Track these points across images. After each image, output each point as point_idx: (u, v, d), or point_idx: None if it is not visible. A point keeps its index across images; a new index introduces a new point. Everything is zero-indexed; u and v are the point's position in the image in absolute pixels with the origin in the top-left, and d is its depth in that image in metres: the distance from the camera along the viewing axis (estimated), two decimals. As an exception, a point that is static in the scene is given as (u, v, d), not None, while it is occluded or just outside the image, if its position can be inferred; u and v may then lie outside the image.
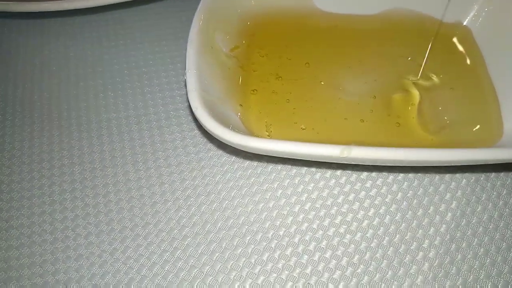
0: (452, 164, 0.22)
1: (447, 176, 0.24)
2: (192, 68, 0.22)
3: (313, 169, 0.24)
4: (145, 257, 0.22)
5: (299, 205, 0.23)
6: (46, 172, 0.25)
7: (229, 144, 0.20)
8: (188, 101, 0.21)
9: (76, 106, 0.28)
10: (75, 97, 0.29)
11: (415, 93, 0.25)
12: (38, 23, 0.33)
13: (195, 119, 0.26)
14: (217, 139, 0.20)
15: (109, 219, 0.23)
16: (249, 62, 0.26)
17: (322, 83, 0.25)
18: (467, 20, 0.27)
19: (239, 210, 0.23)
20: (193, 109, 0.20)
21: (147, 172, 0.25)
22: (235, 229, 0.23)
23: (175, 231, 0.23)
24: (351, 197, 0.23)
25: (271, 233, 0.23)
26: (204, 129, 0.20)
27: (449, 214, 0.23)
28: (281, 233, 0.23)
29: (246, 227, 0.23)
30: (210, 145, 0.26)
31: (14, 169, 0.25)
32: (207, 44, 0.24)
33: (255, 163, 0.25)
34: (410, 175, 0.24)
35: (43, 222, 0.23)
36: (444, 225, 0.22)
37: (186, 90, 0.21)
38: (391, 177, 0.24)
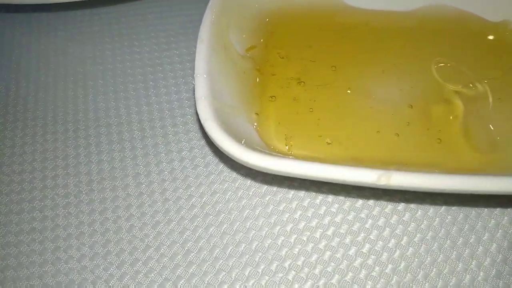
0: None
1: (486, 211, 0.20)
2: (201, 72, 0.19)
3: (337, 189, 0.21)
4: (144, 285, 0.19)
5: (321, 230, 0.20)
6: (38, 183, 0.23)
7: (245, 165, 0.17)
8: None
9: (74, 109, 0.25)
10: (73, 98, 0.26)
11: (458, 103, 0.21)
12: (35, 16, 0.30)
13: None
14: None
15: (105, 239, 0.21)
16: (267, 65, 0.23)
17: (351, 89, 0.22)
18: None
19: (252, 234, 0.20)
20: (202, 121, 0.17)
21: (149, 187, 0.22)
22: (247, 256, 0.20)
23: (178, 257, 0.20)
24: (386, 233, 0.20)
25: (288, 263, 0.20)
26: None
27: (494, 245, 0.19)
28: (299, 263, 0.20)
29: (260, 254, 0.20)
30: (220, 158, 0.23)
31: (2, 179, 0.23)
32: (220, 43, 0.20)
33: (270, 179, 0.22)
34: (454, 208, 0.21)
35: (32, 241, 0.21)
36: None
37: (194, 98, 0.18)
38: (431, 209, 0.21)
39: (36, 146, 0.24)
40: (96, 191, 0.22)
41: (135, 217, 0.21)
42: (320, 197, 0.21)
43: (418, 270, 0.19)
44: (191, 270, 0.20)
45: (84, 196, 0.22)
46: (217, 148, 0.17)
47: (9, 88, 0.26)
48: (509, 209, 0.20)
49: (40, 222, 0.21)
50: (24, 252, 0.21)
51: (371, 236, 0.20)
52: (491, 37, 0.24)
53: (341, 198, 0.21)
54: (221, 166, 0.22)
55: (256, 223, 0.21)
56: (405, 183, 0.16)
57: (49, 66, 0.27)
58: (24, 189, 0.22)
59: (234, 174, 0.22)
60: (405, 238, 0.20)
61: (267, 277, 0.19)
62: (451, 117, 0.21)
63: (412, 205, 0.21)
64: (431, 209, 0.20)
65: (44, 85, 0.26)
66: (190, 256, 0.20)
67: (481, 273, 0.19)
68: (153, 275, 0.20)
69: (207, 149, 0.23)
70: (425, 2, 0.24)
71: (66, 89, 0.26)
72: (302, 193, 0.21)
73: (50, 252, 0.21)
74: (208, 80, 0.19)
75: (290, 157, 0.20)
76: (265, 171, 0.17)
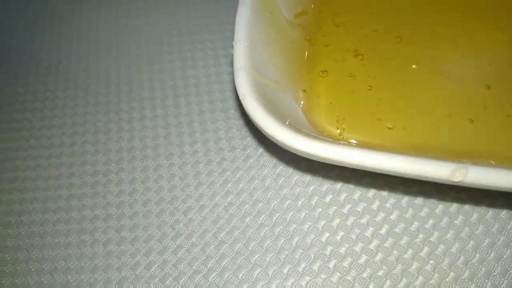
0: None
1: None
2: (242, 39, 0.16)
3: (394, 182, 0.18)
4: (172, 277, 0.18)
5: (373, 228, 0.18)
6: (66, 159, 0.21)
7: (288, 149, 0.14)
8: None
9: (106, 80, 0.23)
10: (105, 69, 0.24)
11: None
12: None
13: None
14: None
15: (133, 224, 0.19)
16: (320, 34, 0.19)
17: (418, 65, 0.18)
18: None
19: (292, 228, 0.18)
20: (240, 96, 0.15)
21: (183, 169, 0.20)
22: (286, 253, 0.18)
23: (211, 247, 0.18)
24: (449, 235, 0.17)
25: (334, 263, 0.17)
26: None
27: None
28: (346, 264, 0.17)
29: (301, 251, 0.18)
30: (260, 140, 0.20)
31: (31, 153, 0.22)
32: (265, 6, 0.18)
33: (316, 167, 0.19)
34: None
35: (57, 221, 0.20)
36: None
37: (233, 69, 0.16)
38: (490, 212, 0.17)
39: (65, 120, 0.22)
40: (126, 171, 0.20)
41: (166, 201, 0.19)
42: (373, 191, 0.18)
43: (486, 281, 0.16)
44: (224, 263, 0.18)
45: (114, 175, 0.20)
46: (257, 128, 0.15)
47: (44, 58, 0.25)
48: None
49: (66, 201, 0.20)
50: (49, 232, 0.19)
51: (431, 239, 0.17)
52: None
53: (399, 193, 0.18)
54: (261, 149, 0.20)
55: (298, 215, 0.18)
56: (484, 180, 0.13)
57: (80, 34, 0.26)
58: (51, 164, 0.21)
59: (275, 159, 0.19)
60: (471, 242, 0.17)
61: (308, 278, 0.17)
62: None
63: (483, 206, 0.17)
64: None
65: (76, 55, 0.25)
66: (223, 248, 0.18)
67: None
68: (182, 265, 0.18)
69: (246, 129, 0.21)
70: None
71: (98, 59, 0.24)
72: (352, 185, 0.18)
73: (76, 234, 0.19)
74: (249, 49, 0.16)
75: (342, 142, 0.17)
76: (311, 158, 0.14)
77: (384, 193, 0.18)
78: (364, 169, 0.14)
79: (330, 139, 0.16)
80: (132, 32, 0.25)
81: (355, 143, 0.17)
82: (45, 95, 0.23)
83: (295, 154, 0.14)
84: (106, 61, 0.24)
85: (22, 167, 0.21)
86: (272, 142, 0.15)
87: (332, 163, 0.14)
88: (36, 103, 0.23)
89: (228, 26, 0.24)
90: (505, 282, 0.16)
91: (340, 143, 0.14)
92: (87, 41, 0.25)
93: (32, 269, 0.19)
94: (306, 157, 0.14)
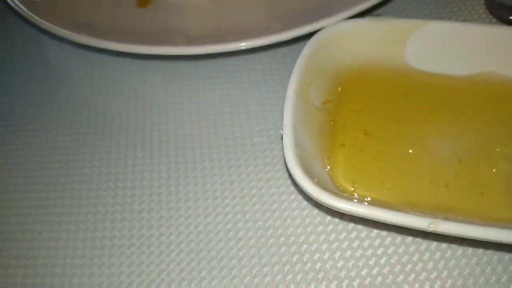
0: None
1: None
2: (288, 124, 0.24)
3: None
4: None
5: (375, 258, 0.24)
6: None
7: (314, 199, 0.22)
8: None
9: (175, 138, 0.31)
10: (174, 129, 0.32)
11: (502, 163, 0.25)
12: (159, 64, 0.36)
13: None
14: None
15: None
16: (339, 117, 0.27)
17: (411, 144, 0.26)
18: None
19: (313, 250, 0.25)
20: (288, 167, 0.22)
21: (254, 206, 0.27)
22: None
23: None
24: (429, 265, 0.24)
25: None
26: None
27: None
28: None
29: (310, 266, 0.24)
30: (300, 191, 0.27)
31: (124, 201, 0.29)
32: (303, 99, 0.25)
33: (336, 213, 0.26)
34: (480, 251, 0.24)
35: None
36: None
37: (283, 145, 0.23)
38: (460, 250, 0.24)
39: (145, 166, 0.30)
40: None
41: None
42: (375, 231, 0.25)
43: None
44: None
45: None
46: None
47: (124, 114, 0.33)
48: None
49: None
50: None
51: (417, 268, 0.24)
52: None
53: (393, 233, 0.25)
54: (300, 196, 0.27)
55: (319, 246, 0.25)
56: (450, 231, 0.20)
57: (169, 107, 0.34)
58: (134, 209, 0.28)
59: (309, 204, 0.27)
60: (445, 272, 0.24)
61: None
62: (495, 176, 0.24)
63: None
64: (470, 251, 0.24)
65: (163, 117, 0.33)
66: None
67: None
68: None
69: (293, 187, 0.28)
70: (480, 68, 0.28)
71: (178, 120, 0.32)
72: (360, 226, 0.26)
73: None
74: (293, 131, 0.24)
75: (353, 197, 0.24)
76: (329, 207, 0.21)
77: (383, 233, 0.25)
78: (367, 218, 0.21)
79: (345, 194, 0.24)
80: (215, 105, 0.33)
81: (368, 199, 0.24)
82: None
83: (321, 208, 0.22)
84: (181, 123, 0.32)
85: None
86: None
87: (342, 212, 0.21)
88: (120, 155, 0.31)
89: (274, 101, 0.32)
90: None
91: (350, 198, 0.22)
92: (176, 108, 0.33)
93: None
94: (326, 206, 0.21)
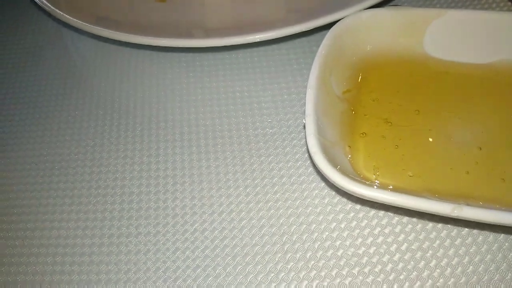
0: None
1: None
2: (310, 113, 0.24)
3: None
4: None
5: (395, 244, 0.25)
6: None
7: (337, 186, 0.22)
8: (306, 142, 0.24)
9: (188, 125, 0.32)
10: (195, 120, 0.32)
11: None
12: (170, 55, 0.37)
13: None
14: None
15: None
16: (360, 106, 0.27)
17: (431, 131, 0.26)
18: None
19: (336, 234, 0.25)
20: (311, 154, 0.23)
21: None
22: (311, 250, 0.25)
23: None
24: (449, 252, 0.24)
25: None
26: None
27: None
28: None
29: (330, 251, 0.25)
30: (323, 178, 0.28)
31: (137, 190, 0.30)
32: (324, 88, 0.26)
33: (358, 200, 0.26)
34: (501, 236, 0.25)
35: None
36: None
37: (305, 134, 0.24)
38: (481, 237, 0.25)
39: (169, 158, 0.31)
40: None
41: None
42: (396, 218, 0.26)
43: None
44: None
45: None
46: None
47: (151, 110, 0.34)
48: None
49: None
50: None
51: (438, 254, 0.24)
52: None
53: (415, 219, 0.26)
54: (322, 184, 0.28)
55: (340, 232, 0.26)
56: (473, 216, 0.20)
57: (183, 97, 0.34)
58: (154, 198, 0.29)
59: (332, 191, 0.27)
60: (467, 257, 0.24)
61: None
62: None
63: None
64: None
65: (174, 109, 0.33)
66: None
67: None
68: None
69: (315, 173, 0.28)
70: (498, 56, 0.28)
71: (191, 112, 0.33)
72: (382, 212, 0.26)
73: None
74: (315, 120, 0.24)
75: (374, 184, 0.24)
76: (351, 193, 0.22)
77: (404, 220, 0.26)
78: (390, 204, 0.21)
79: (367, 182, 0.24)
80: (226, 96, 0.33)
81: (390, 187, 0.25)
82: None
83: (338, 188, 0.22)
84: (195, 114, 0.32)
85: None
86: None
87: (365, 198, 0.21)
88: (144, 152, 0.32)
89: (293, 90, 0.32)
90: None
91: (372, 185, 0.22)
92: (189, 99, 0.34)
93: None
94: (348, 192, 0.22)
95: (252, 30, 0.30)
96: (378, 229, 0.26)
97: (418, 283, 0.24)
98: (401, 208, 0.24)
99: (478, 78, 0.28)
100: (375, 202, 0.22)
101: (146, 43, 0.32)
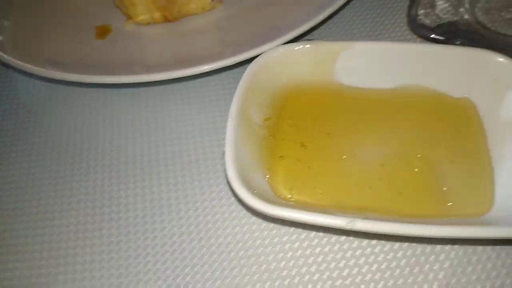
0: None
1: (438, 248, 0.27)
2: (230, 142, 0.27)
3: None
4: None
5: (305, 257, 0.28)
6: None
7: (250, 208, 0.25)
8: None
9: (135, 158, 0.34)
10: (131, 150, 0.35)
11: (420, 164, 0.28)
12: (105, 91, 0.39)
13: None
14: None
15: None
16: (279, 132, 0.30)
17: (341, 152, 0.29)
18: (474, 96, 0.31)
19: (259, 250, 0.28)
20: (229, 180, 0.25)
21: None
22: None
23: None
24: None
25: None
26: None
27: (436, 283, 0.26)
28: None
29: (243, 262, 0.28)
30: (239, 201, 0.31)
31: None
32: (244, 118, 0.28)
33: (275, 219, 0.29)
34: (405, 245, 0.28)
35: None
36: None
37: (224, 161, 0.26)
38: (388, 245, 0.28)
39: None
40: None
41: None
42: (306, 232, 0.29)
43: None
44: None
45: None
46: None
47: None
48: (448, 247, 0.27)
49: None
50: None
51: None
52: (452, 111, 0.31)
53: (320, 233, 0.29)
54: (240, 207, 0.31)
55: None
56: (366, 228, 0.23)
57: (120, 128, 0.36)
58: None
59: (247, 213, 0.30)
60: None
61: None
62: (412, 176, 0.28)
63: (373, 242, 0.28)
64: (387, 245, 0.28)
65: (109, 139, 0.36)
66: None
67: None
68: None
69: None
70: (401, 82, 0.32)
71: (128, 142, 0.35)
72: (292, 228, 0.29)
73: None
74: (234, 148, 0.27)
75: (287, 203, 0.27)
76: (264, 214, 0.24)
77: (312, 234, 0.29)
78: (289, 219, 0.24)
79: (282, 201, 0.27)
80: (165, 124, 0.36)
81: (301, 204, 0.27)
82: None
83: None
84: (133, 143, 0.35)
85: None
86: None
87: (269, 215, 0.24)
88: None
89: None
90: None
91: (282, 204, 0.25)
92: (127, 128, 0.36)
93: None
94: (261, 213, 0.25)
95: (181, 66, 0.33)
96: (289, 244, 0.29)
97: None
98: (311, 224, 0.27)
99: (383, 102, 0.31)
100: (286, 220, 0.25)
101: (86, 81, 0.34)
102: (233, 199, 0.31)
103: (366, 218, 0.24)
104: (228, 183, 0.26)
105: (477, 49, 0.30)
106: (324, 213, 0.24)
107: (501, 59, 0.29)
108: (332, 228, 0.28)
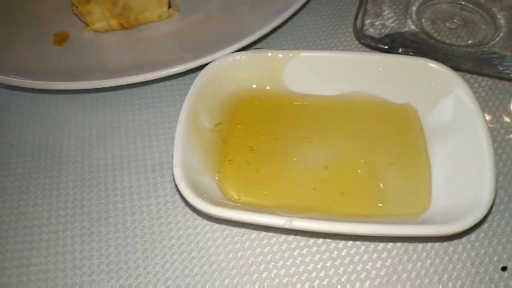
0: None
1: (381, 246, 0.29)
2: (178, 146, 0.28)
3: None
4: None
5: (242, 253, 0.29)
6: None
7: (200, 210, 0.26)
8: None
9: (90, 162, 0.35)
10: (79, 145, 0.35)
11: (362, 166, 0.30)
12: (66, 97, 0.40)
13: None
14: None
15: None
16: (230, 136, 0.32)
17: (288, 155, 0.31)
18: (415, 102, 0.33)
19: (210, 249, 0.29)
20: (176, 182, 0.26)
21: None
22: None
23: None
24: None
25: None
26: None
27: (378, 280, 0.28)
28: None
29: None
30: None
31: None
32: (193, 124, 0.30)
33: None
34: (349, 243, 0.29)
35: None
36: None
37: (172, 165, 0.27)
38: (333, 244, 0.29)
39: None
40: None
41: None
42: (248, 231, 0.30)
43: None
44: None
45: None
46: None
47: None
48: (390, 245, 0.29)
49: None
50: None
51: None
52: (394, 116, 0.32)
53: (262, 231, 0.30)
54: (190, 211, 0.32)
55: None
56: (301, 227, 0.25)
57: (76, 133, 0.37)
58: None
59: (194, 215, 0.31)
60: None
61: None
62: (354, 177, 0.30)
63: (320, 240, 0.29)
64: (332, 244, 0.29)
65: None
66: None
67: None
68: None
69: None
70: (347, 89, 0.33)
71: (85, 146, 0.36)
72: (242, 229, 0.30)
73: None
74: (183, 151, 0.28)
75: (238, 204, 0.28)
76: (210, 215, 0.26)
77: (261, 235, 0.30)
78: (237, 221, 0.25)
79: (229, 202, 0.28)
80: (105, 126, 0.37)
81: (248, 205, 0.29)
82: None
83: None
84: (90, 149, 0.36)
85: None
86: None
87: (222, 218, 0.25)
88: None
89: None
90: None
91: (228, 206, 0.26)
92: (79, 132, 0.37)
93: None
94: (208, 214, 0.26)
95: (134, 72, 0.34)
96: (239, 245, 0.30)
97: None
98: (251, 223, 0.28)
99: (328, 108, 0.33)
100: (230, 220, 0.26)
101: (43, 88, 0.35)
102: (180, 201, 0.32)
103: (309, 217, 0.25)
104: (175, 186, 0.27)
105: (416, 57, 0.32)
106: (267, 213, 0.25)
107: (437, 66, 0.31)
108: (280, 228, 0.29)
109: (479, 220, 0.24)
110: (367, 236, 0.29)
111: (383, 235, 0.27)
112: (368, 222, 0.25)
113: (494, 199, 0.26)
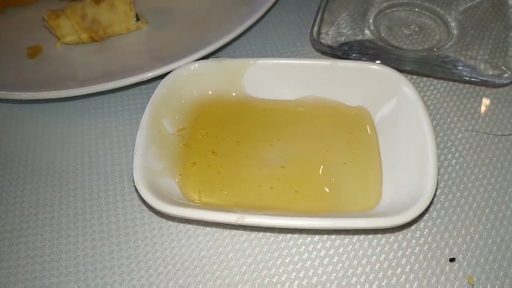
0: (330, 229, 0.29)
1: (337, 242, 0.31)
2: (139, 149, 0.29)
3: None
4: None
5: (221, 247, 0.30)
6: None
7: (159, 211, 0.27)
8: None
9: (61, 169, 0.36)
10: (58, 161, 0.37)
11: (316, 166, 0.32)
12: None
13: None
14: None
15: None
16: (192, 140, 0.33)
17: (248, 157, 0.32)
18: (368, 104, 0.34)
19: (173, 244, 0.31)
20: (135, 184, 0.28)
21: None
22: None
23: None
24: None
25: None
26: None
27: (334, 274, 0.29)
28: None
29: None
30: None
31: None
32: (155, 128, 0.31)
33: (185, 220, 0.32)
34: (308, 239, 0.31)
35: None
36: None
37: (132, 167, 0.29)
38: (292, 241, 0.31)
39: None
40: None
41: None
42: (208, 228, 0.31)
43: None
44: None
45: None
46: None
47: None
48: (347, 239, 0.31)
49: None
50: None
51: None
52: (348, 118, 0.34)
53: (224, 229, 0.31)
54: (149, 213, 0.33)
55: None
56: (253, 222, 0.26)
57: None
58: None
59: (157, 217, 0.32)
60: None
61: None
62: (308, 176, 0.31)
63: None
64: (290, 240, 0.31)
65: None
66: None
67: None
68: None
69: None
70: (304, 94, 0.35)
71: (53, 152, 0.37)
72: (205, 227, 0.32)
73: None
74: (143, 155, 0.29)
75: (196, 205, 0.30)
76: (172, 216, 0.27)
77: (224, 234, 0.31)
78: (193, 219, 0.27)
79: (189, 203, 0.29)
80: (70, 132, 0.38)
81: (208, 204, 0.30)
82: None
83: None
84: (61, 154, 0.37)
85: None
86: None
87: (177, 216, 0.27)
88: None
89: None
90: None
91: (192, 206, 0.27)
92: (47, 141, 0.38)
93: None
94: (164, 213, 0.27)
95: (105, 80, 0.36)
96: (202, 244, 0.31)
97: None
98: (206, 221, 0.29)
99: (287, 112, 0.35)
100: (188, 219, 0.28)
101: (13, 98, 0.37)
102: (140, 202, 0.33)
103: (261, 214, 0.27)
104: (138, 190, 0.28)
105: (367, 62, 0.34)
106: (223, 211, 0.27)
107: (385, 69, 0.33)
108: (237, 225, 0.31)
109: (420, 212, 0.26)
110: (316, 230, 0.30)
111: (327, 228, 0.28)
112: (317, 217, 0.27)
113: (436, 192, 0.27)
